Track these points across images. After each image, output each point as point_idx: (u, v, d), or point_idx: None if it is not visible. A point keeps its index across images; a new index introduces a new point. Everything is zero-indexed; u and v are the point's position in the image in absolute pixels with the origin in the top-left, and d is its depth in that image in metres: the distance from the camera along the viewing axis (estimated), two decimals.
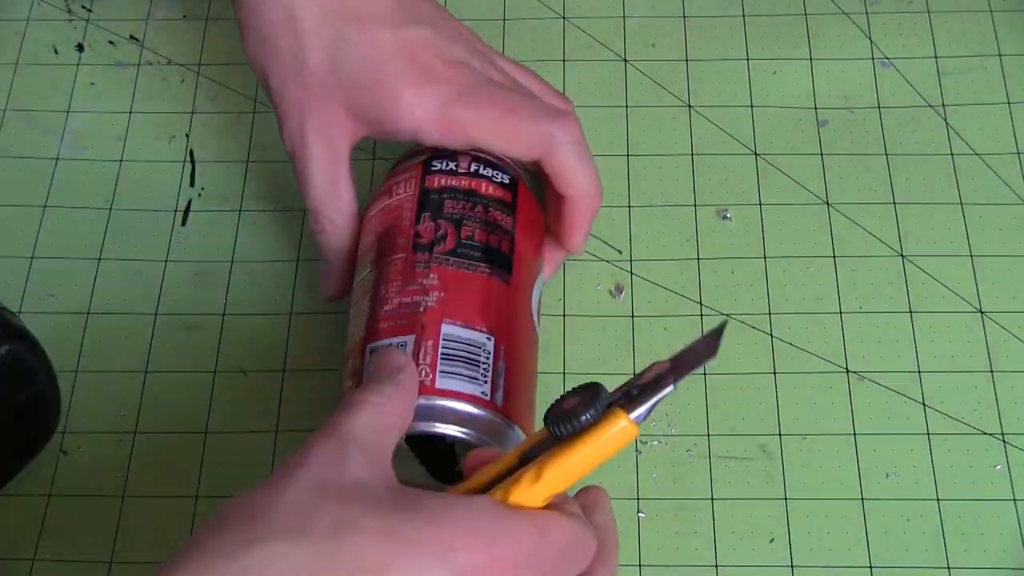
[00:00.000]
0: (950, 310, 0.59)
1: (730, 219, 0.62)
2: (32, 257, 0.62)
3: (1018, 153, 0.63)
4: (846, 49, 0.67)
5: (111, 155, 0.65)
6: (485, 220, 0.51)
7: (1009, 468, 0.56)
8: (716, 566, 0.54)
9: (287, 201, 0.63)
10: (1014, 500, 0.55)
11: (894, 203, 0.62)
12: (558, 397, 0.43)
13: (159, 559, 0.54)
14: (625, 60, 0.67)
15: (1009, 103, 0.65)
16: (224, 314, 0.60)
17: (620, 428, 0.41)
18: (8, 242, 0.62)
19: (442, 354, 0.47)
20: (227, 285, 0.61)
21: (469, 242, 0.50)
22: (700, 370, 0.41)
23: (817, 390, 0.58)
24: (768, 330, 0.59)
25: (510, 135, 0.53)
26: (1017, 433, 0.56)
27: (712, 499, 0.55)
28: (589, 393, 0.42)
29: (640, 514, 0.55)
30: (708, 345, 0.42)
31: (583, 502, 0.44)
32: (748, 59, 0.66)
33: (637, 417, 0.41)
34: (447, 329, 0.48)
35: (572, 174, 0.54)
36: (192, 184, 0.64)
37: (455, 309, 0.49)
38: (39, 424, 0.54)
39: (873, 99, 0.65)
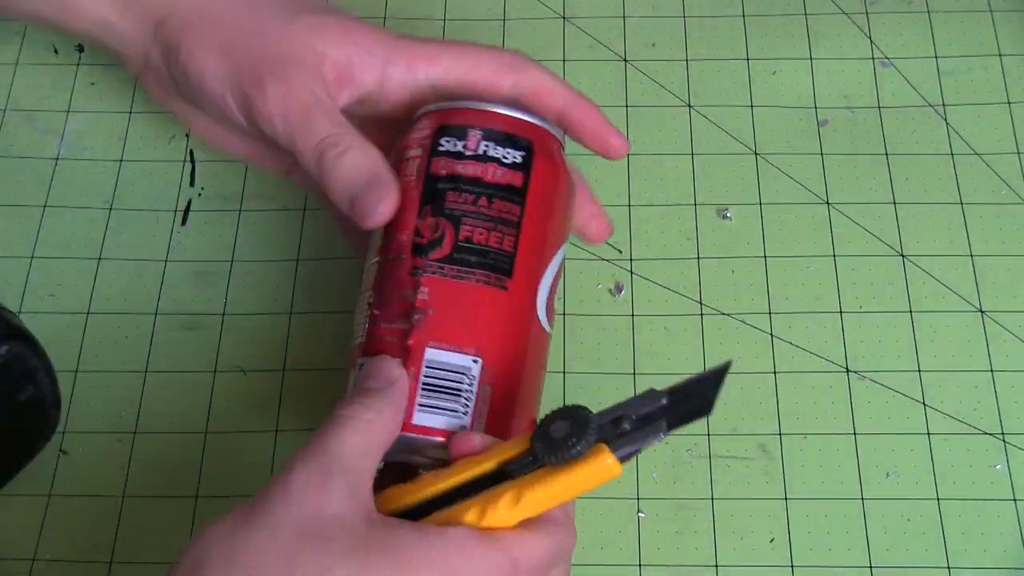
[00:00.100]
0: (950, 310, 0.59)
1: (730, 218, 0.62)
2: (32, 257, 0.62)
3: (1018, 153, 0.63)
4: (846, 49, 0.67)
5: (111, 155, 0.65)
6: (488, 215, 0.49)
7: (1009, 468, 0.56)
8: (716, 566, 0.54)
9: (287, 201, 0.63)
10: (1014, 500, 0.55)
11: (894, 203, 0.62)
12: (546, 416, 0.43)
13: (159, 559, 0.54)
14: (625, 60, 0.67)
15: (1009, 103, 0.65)
16: (224, 314, 0.60)
17: (604, 466, 0.42)
18: (8, 242, 0.62)
19: (423, 385, 0.47)
20: (227, 285, 0.61)
21: (467, 244, 0.49)
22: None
23: (817, 390, 0.58)
24: (768, 330, 0.59)
25: (475, 59, 0.52)
26: (1017, 433, 0.56)
27: (712, 499, 0.55)
28: (579, 422, 0.42)
29: (640, 514, 0.55)
30: (705, 397, 0.42)
31: None
32: (748, 59, 0.66)
33: (621, 457, 0.42)
34: (431, 355, 0.47)
35: (554, 85, 0.52)
36: (192, 184, 0.64)
37: (442, 329, 0.48)
38: (39, 424, 0.54)
39: (873, 99, 0.65)
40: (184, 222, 0.63)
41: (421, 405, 0.47)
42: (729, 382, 0.57)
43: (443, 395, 0.47)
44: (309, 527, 0.40)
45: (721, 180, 0.63)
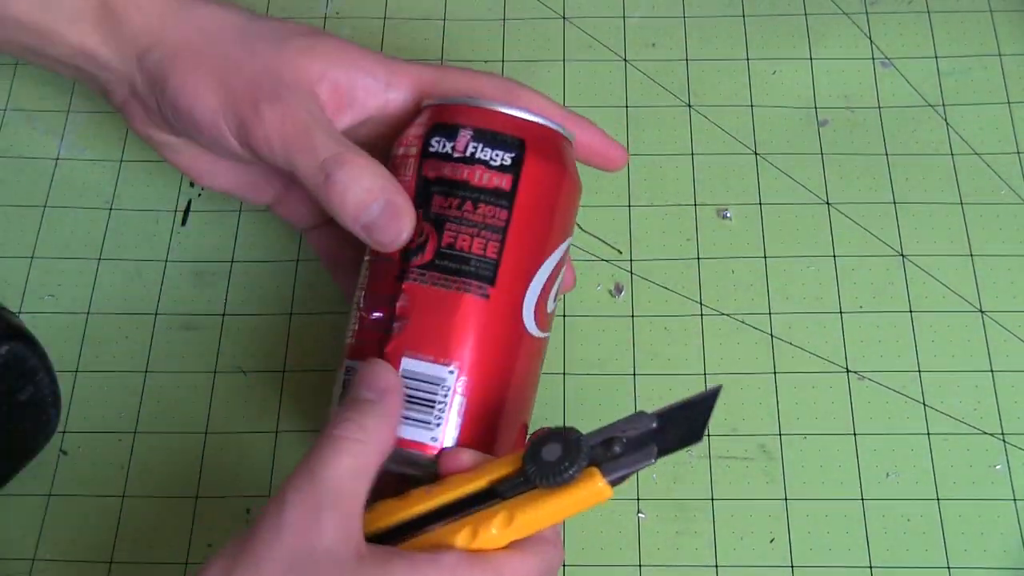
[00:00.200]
0: (950, 309, 0.59)
1: (730, 219, 0.62)
2: (32, 257, 0.62)
3: (1018, 153, 0.63)
4: (846, 49, 0.67)
5: (111, 155, 0.65)
6: (472, 220, 0.48)
7: (1009, 468, 0.56)
8: (716, 566, 0.54)
9: None
10: (1014, 500, 0.55)
11: (894, 203, 0.62)
12: (536, 437, 0.44)
13: (159, 559, 0.55)
14: (625, 60, 0.67)
15: (1009, 103, 0.65)
16: (224, 314, 0.60)
17: (596, 490, 0.42)
18: (8, 242, 0.62)
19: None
20: (227, 285, 0.61)
21: (449, 251, 0.48)
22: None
23: (817, 390, 0.58)
24: (768, 330, 0.59)
25: (474, 83, 0.51)
26: (1017, 433, 0.56)
27: (712, 499, 0.55)
28: (570, 445, 0.43)
29: (640, 514, 0.55)
30: (696, 425, 0.43)
31: None
32: (748, 59, 0.66)
33: (612, 481, 0.43)
34: (407, 365, 0.47)
35: (549, 106, 0.52)
36: (192, 184, 0.64)
37: (419, 339, 0.47)
38: (39, 424, 0.54)
39: (873, 99, 0.65)
40: (184, 222, 0.63)
41: None
42: (729, 382, 0.58)
43: (417, 405, 0.47)
44: (300, 564, 0.40)
45: (721, 180, 0.63)
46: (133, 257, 0.62)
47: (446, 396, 0.47)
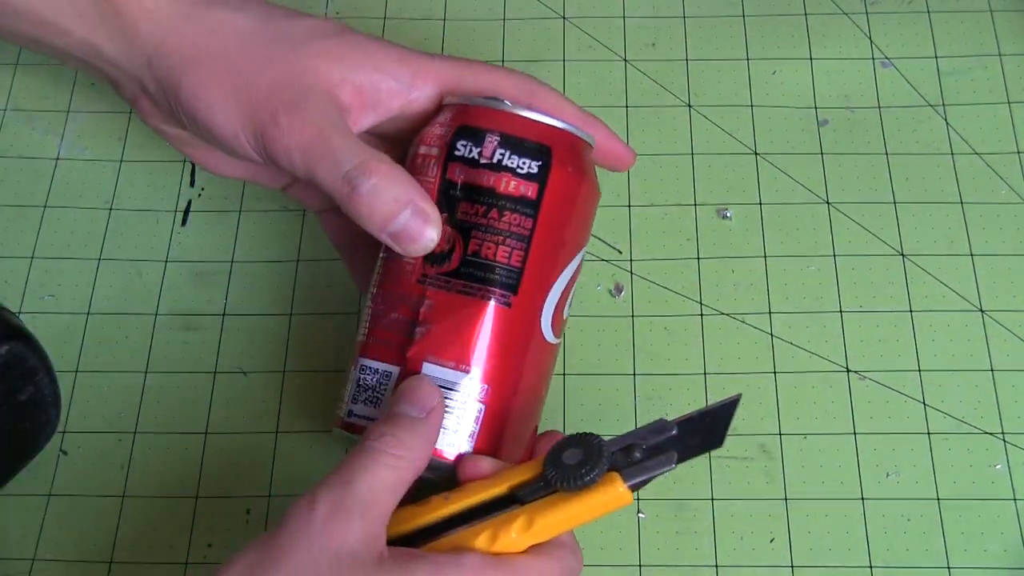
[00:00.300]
0: (950, 309, 0.59)
1: (730, 218, 0.62)
2: (32, 257, 0.62)
3: (1018, 153, 0.63)
4: (846, 49, 0.67)
5: (111, 155, 0.65)
6: (497, 228, 0.48)
7: (1009, 467, 0.56)
8: (716, 566, 0.54)
9: (287, 201, 0.63)
10: (1014, 500, 0.55)
11: (894, 203, 0.62)
12: (557, 443, 0.44)
13: (159, 559, 0.55)
14: (625, 60, 0.67)
15: (1009, 103, 0.65)
16: (224, 314, 0.60)
17: (616, 494, 0.43)
18: (8, 242, 0.62)
19: None
20: (227, 285, 0.61)
21: (475, 258, 0.48)
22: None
23: (817, 390, 0.58)
24: (768, 330, 0.59)
25: (495, 80, 0.51)
26: (1017, 432, 0.56)
27: (712, 499, 0.55)
28: (591, 449, 0.43)
29: (640, 514, 0.55)
30: (716, 432, 0.44)
31: None
32: (748, 59, 0.66)
33: (632, 486, 0.43)
34: (427, 370, 0.47)
35: (566, 106, 0.52)
36: (192, 184, 0.64)
37: (442, 345, 0.48)
38: (39, 424, 0.54)
39: (873, 99, 0.65)
40: (184, 222, 0.63)
41: None
42: (729, 382, 0.58)
43: None
44: (326, 564, 0.41)
45: (721, 180, 0.63)
46: (133, 257, 0.62)
47: (465, 402, 0.48)
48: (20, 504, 0.56)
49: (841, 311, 0.59)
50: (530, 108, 0.49)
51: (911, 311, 0.59)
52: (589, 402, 0.58)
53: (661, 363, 0.58)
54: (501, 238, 0.48)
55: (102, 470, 0.56)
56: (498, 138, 0.49)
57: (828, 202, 0.62)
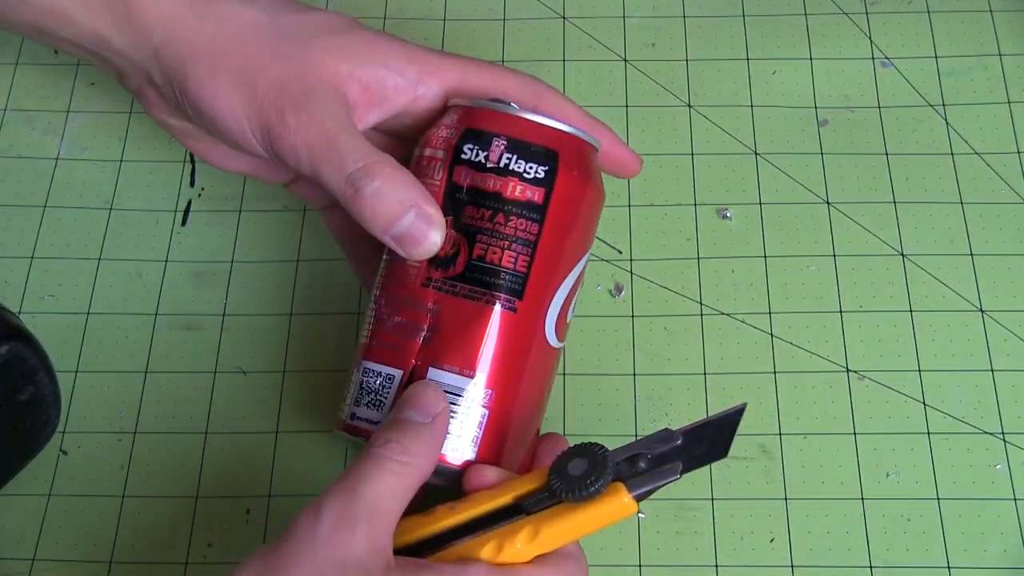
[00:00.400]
0: (950, 309, 0.59)
1: (730, 218, 0.62)
2: (32, 257, 0.62)
3: (1018, 153, 0.63)
4: (846, 49, 0.67)
5: (111, 155, 0.65)
6: (503, 233, 0.48)
7: (1009, 467, 0.56)
8: (716, 566, 0.54)
9: (287, 201, 0.63)
10: (1014, 500, 0.55)
11: (894, 202, 0.62)
12: (562, 453, 0.44)
13: (159, 559, 0.54)
14: (625, 60, 0.67)
15: (1009, 103, 0.65)
16: (224, 314, 0.60)
17: (621, 505, 0.43)
18: (8, 242, 0.62)
19: None
20: (227, 285, 0.61)
21: (480, 263, 0.48)
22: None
23: (817, 390, 0.58)
24: (768, 330, 0.59)
25: (502, 81, 0.51)
26: (1017, 432, 0.56)
27: (712, 499, 0.55)
28: (596, 459, 0.44)
29: (640, 514, 0.55)
30: (721, 442, 0.44)
31: None
32: (748, 59, 0.66)
33: (637, 496, 0.43)
34: (432, 375, 0.47)
35: (573, 110, 0.52)
36: (192, 184, 0.64)
37: (447, 350, 0.48)
38: (39, 424, 0.54)
39: (873, 99, 0.65)
40: (184, 222, 0.63)
41: None
42: (729, 382, 0.58)
43: None
44: (331, 573, 0.41)
45: (721, 180, 0.63)
46: (133, 257, 0.62)
47: (469, 408, 0.48)
48: (20, 504, 0.56)
49: (841, 311, 0.59)
50: (536, 111, 0.49)
51: (911, 311, 0.59)
52: (589, 402, 0.58)
53: (661, 363, 0.58)
54: (507, 243, 0.48)
55: (102, 470, 0.56)
56: (505, 142, 0.48)
57: (828, 202, 0.62)
